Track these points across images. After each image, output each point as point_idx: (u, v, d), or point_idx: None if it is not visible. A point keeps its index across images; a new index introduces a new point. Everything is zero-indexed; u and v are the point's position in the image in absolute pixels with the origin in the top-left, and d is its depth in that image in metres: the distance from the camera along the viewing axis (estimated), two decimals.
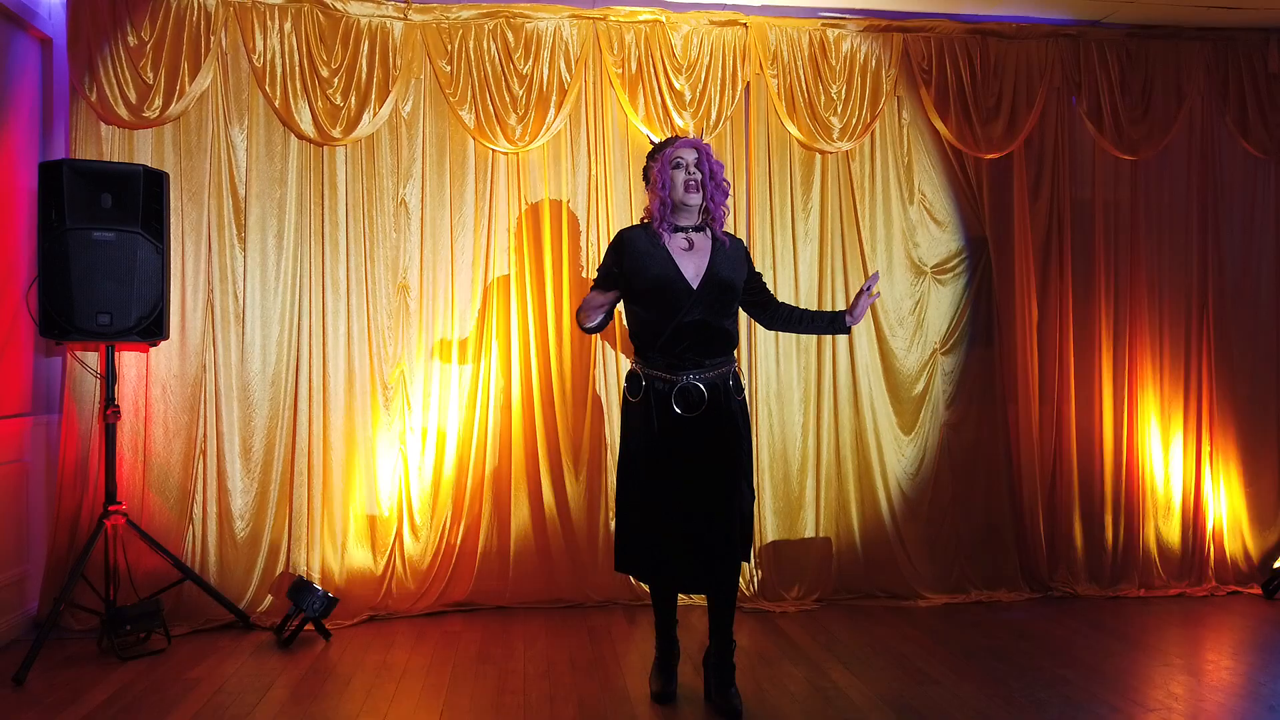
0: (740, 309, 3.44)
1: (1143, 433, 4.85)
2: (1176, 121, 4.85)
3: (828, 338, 4.62)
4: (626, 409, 3.32)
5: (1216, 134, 4.93)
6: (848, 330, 3.46)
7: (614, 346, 4.49)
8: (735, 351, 3.34)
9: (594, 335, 4.47)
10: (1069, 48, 4.80)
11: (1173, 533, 4.86)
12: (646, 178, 3.36)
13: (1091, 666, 3.68)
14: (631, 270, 3.22)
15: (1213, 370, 4.89)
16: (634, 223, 3.77)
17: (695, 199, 3.23)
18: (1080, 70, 4.81)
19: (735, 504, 3.17)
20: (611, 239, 3.35)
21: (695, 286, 3.19)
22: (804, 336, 4.61)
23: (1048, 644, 3.96)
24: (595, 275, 3.35)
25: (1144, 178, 4.88)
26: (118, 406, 3.97)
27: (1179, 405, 4.88)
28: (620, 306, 3.42)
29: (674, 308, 3.17)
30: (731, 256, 3.29)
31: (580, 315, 3.32)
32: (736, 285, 3.28)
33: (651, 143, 4.01)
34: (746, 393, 4.50)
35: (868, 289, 3.34)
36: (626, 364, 3.37)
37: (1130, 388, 4.85)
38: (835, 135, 4.64)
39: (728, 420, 3.21)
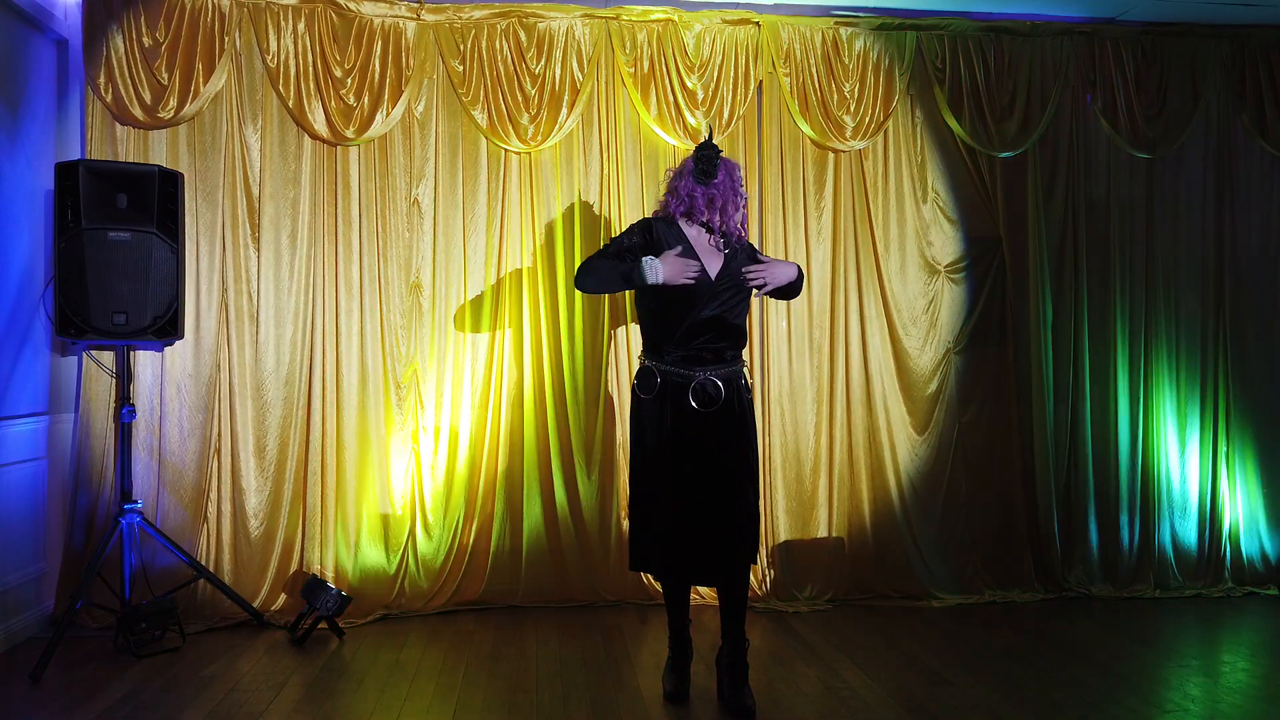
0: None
1: (1159, 432, 4.82)
2: (1192, 119, 4.82)
3: (840, 337, 4.63)
4: (637, 406, 3.33)
5: (1233, 132, 4.90)
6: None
7: (626, 346, 4.50)
8: (745, 352, 3.39)
9: (606, 333, 4.49)
10: (1084, 45, 4.78)
11: (1189, 533, 4.83)
12: (680, 176, 3.37)
13: (1107, 667, 3.66)
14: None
15: (1229, 369, 4.85)
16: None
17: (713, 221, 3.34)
18: (1095, 68, 4.78)
19: (745, 501, 3.20)
20: (638, 221, 3.40)
21: (714, 278, 3.25)
22: (816, 336, 4.63)
23: (1063, 645, 3.94)
24: (607, 246, 3.38)
25: (1159, 176, 4.85)
26: (133, 406, 4.00)
27: (1195, 405, 4.85)
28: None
29: (693, 301, 3.21)
30: (741, 258, 3.37)
31: (586, 280, 3.31)
32: (747, 283, 3.34)
33: (667, 136, 3.99)
34: (759, 392, 4.54)
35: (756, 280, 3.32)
36: (639, 362, 3.37)
37: (1146, 387, 4.82)
38: (848, 134, 4.62)
39: (739, 419, 3.24)
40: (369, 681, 3.51)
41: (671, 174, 3.44)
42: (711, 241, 3.32)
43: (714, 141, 3.39)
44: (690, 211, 3.32)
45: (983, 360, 4.78)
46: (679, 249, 3.24)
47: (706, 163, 3.31)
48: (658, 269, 3.17)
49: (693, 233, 3.33)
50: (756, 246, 4.52)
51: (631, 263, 3.21)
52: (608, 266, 3.27)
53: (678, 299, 3.22)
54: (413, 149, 4.44)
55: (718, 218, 3.31)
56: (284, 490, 4.28)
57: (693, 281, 3.19)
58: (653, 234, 3.32)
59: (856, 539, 4.63)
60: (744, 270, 3.30)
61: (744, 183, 3.42)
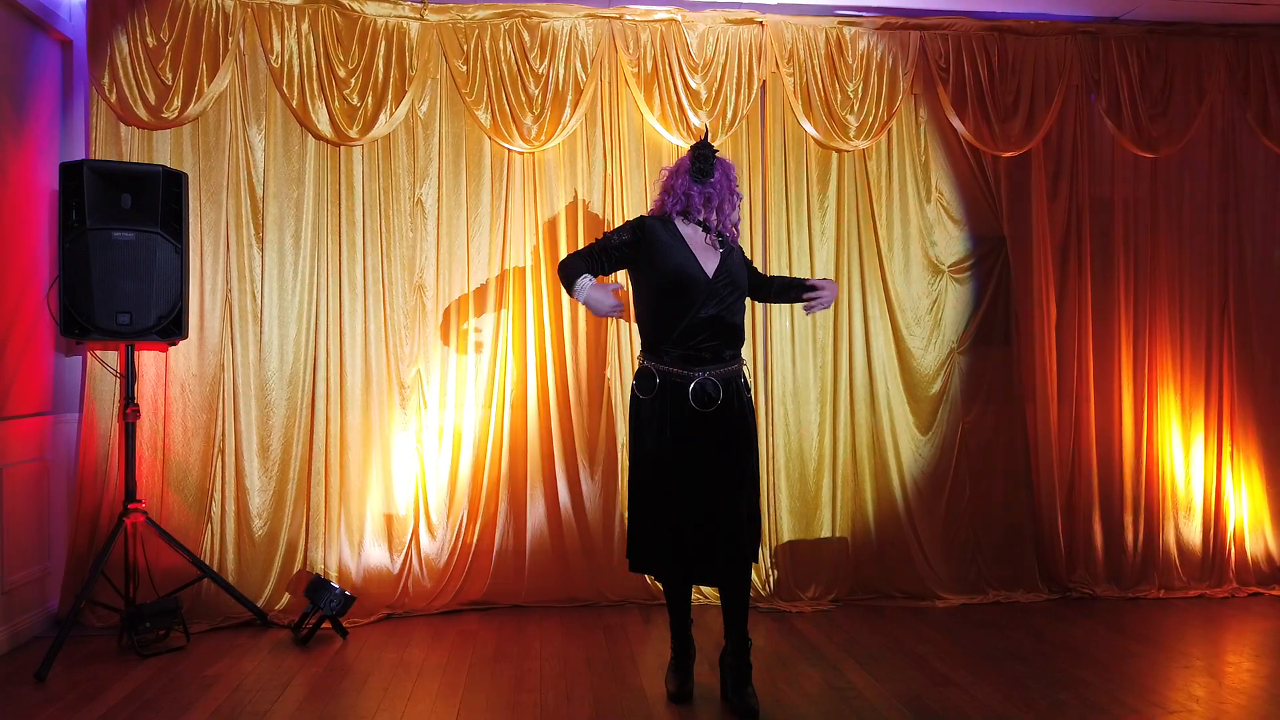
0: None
1: (1163, 432, 4.81)
2: (1197, 118, 4.80)
3: (844, 337, 4.63)
4: (636, 407, 3.32)
5: (1237, 131, 4.89)
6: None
7: (630, 346, 4.50)
8: (744, 351, 3.39)
9: (610, 333, 4.49)
10: (1088, 45, 4.77)
11: (1193, 533, 4.82)
12: (676, 174, 3.37)
13: (1111, 668, 3.66)
14: (651, 260, 3.27)
15: (1234, 369, 4.84)
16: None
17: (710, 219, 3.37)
18: (1099, 67, 4.77)
19: (746, 500, 3.20)
20: (632, 220, 3.40)
21: (710, 277, 3.24)
22: (820, 336, 4.62)
23: (1067, 645, 3.93)
24: (594, 241, 3.36)
25: (1164, 175, 4.84)
26: (137, 405, 4.00)
27: (1200, 404, 4.84)
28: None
29: (690, 299, 3.21)
30: (736, 256, 3.39)
31: (560, 272, 3.32)
32: (744, 282, 3.37)
33: (668, 137, 3.99)
34: (763, 392, 4.54)
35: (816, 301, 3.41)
36: (638, 363, 3.37)
37: (1150, 387, 4.81)
38: (852, 134, 4.62)
39: (739, 418, 3.24)
40: (373, 681, 3.52)
41: (666, 173, 3.44)
42: (708, 240, 3.32)
43: (711, 141, 3.39)
44: (687, 210, 3.32)
45: (986, 360, 4.78)
46: (619, 286, 3.30)
47: (703, 161, 3.31)
48: (585, 291, 3.18)
49: (688, 231, 3.32)
50: (757, 246, 4.56)
51: (582, 273, 3.21)
52: (575, 267, 3.25)
53: (674, 298, 3.22)
54: (416, 149, 4.44)
55: (714, 216, 3.31)
56: (288, 490, 4.29)
57: (613, 317, 3.24)
58: (644, 232, 3.30)
59: (860, 539, 4.63)
60: (805, 298, 3.38)
61: (738, 182, 3.43)
